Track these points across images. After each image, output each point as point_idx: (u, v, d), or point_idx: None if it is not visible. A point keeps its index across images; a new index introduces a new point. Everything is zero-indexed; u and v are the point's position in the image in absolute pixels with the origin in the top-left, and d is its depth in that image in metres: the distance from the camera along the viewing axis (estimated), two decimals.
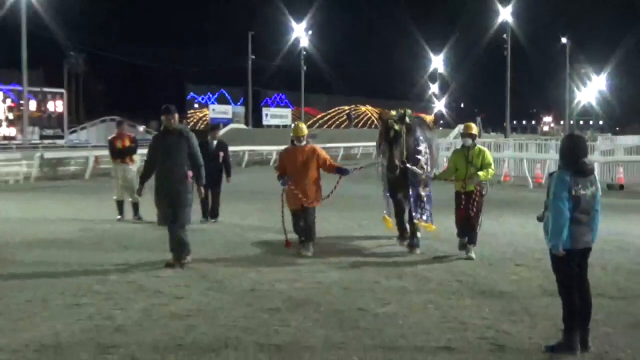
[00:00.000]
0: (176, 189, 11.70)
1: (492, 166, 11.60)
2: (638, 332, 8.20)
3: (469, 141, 11.65)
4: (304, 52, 75.45)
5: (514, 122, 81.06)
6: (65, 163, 38.11)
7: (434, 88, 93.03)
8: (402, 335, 8.35)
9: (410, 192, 13.08)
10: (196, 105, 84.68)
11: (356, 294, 10.23)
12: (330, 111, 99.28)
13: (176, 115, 12.38)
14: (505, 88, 68.32)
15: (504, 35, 66.46)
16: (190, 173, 11.76)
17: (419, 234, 13.56)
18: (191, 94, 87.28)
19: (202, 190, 12.88)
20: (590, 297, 7.41)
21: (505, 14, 65.58)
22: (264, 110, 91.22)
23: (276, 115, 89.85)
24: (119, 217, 18.09)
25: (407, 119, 12.82)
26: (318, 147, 13.80)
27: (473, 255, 11.75)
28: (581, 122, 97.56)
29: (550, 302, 8.82)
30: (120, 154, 18.46)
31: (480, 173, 11.34)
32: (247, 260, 12.96)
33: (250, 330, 8.52)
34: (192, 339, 8.14)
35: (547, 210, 7.35)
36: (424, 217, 13.18)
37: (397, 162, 12.40)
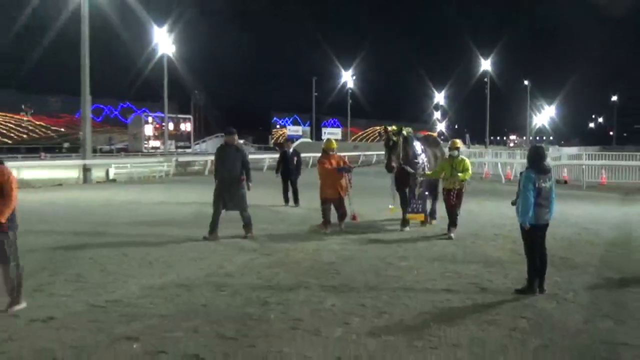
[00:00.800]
0: (233, 185, 11.76)
1: (470, 170, 11.77)
2: (578, 279, 8.60)
3: (455, 153, 11.79)
4: (350, 90, 76.72)
5: (491, 137, 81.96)
6: (191, 164, 39.78)
7: (437, 115, 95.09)
8: (416, 281, 8.55)
9: (408, 191, 12.69)
10: (278, 126, 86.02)
11: (385, 254, 10.34)
12: (367, 130, 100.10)
13: (235, 136, 12.61)
14: (485, 114, 72.16)
15: (485, 79, 69.22)
16: (243, 176, 11.84)
17: (416, 221, 13.13)
18: (275, 118, 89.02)
19: (251, 185, 12.17)
20: (546, 256, 7.94)
21: (486, 65, 68.11)
22: (323, 130, 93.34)
23: (331, 133, 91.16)
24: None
25: (405, 133, 12.41)
26: (343, 155, 14.59)
27: (452, 235, 11.67)
28: (537, 138, 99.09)
29: (518, 259, 9.14)
30: None
31: (460, 175, 11.50)
32: (311, 232, 12.75)
33: (315, 277, 8.74)
34: (276, 282, 8.38)
35: (518, 198, 7.87)
36: (415, 210, 12.78)
37: (393, 164, 12.11)
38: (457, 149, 12.01)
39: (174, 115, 69.41)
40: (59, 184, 25.49)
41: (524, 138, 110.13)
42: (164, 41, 53.91)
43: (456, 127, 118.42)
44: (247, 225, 11.96)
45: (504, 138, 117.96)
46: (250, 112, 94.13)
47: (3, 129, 61.02)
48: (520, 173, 8.16)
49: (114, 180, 28.30)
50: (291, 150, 18.64)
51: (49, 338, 5.94)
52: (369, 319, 6.60)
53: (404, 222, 12.81)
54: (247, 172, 11.85)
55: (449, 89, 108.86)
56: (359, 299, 7.38)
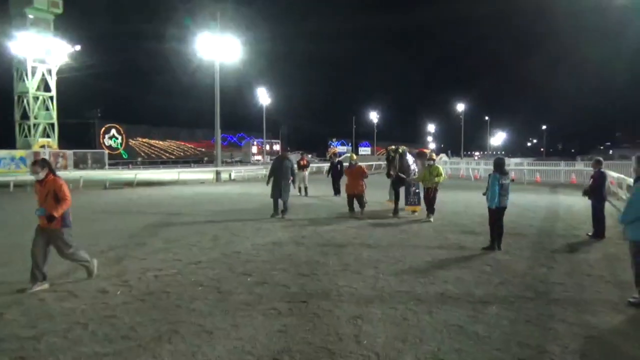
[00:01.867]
0: (284, 185, 11.41)
1: (443, 175, 10.82)
2: (523, 241, 8.38)
3: (431, 162, 10.76)
4: (376, 122, 76.52)
5: (464, 152, 79.12)
6: None
7: (430, 138, 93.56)
8: (418, 242, 8.36)
9: (404, 188, 11.81)
10: (331, 146, 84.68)
11: (390, 230, 9.58)
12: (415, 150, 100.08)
13: (288, 153, 13.40)
14: (460, 137, 75.13)
15: (460, 115, 68.91)
16: (291, 178, 11.71)
17: (408, 211, 11.87)
18: (330, 141, 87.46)
19: (296, 183, 13.05)
20: (502, 227, 7.85)
21: (460, 107, 68.20)
22: (360, 149, 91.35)
23: (365, 151, 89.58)
24: (298, 194, 16.34)
25: (400, 150, 11.60)
26: (363, 165, 13.29)
27: (432, 219, 10.59)
28: (493, 152, 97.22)
29: (484, 229, 8.73)
30: (302, 167, 17.04)
31: (436, 178, 10.56)
32: (333, 217, 11.45)
33: (356, 238, 8.47)
34: (333, 242, 8.19)
35: (487, 190, 7.77)
36: (412, 202, 11.83)
37: (391, 172, 11.46)
38: (432, 159, 11.08)
39: (269, 140, 70.30)
40: (201, 182, 25.94)
41: (485, 152, 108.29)
42: (262, 95, 55.31)
43: (442, 145, 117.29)
44: (285, 210, 11.48)
45: (471, 152, 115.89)
46: (315, 136, 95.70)
47: (169, 149, 62.98)
48: (489, 175, 7.89)
49: (234, 180, 28.40)
50: (336, 160, 18.55)
51: (199, 273, 6.13)
52: (390, 264, 6.58)
53: (396, 211, 11.66)
54: (292, 175, 11.79)
55: (438, 122, 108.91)
56: (384, 252, 7.34)
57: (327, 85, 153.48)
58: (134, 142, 57.54)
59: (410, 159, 12.02)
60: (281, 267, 6.43)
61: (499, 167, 7.65)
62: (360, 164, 12.94)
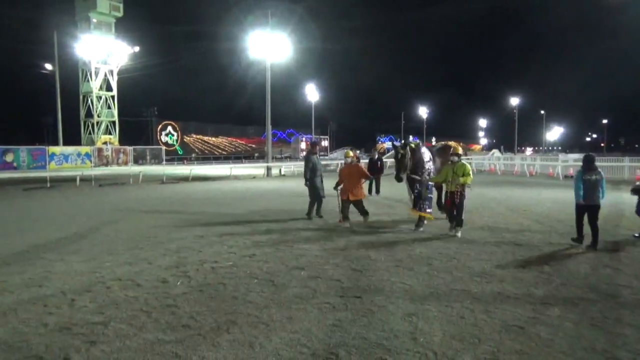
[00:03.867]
0: (319, 181, 10.56)
1: (471, 175, 8.30)
2: (584, 240, 7.65)
3: (455, 159, 8.36)
4: (425, 118, 75.18)
5: (517, 148, 75.84)
6: (328, 165, 35.78)
7: (481, 133, 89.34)
8: (473, 240, 8.04)
9: (416, 192, 9.14)
10: (380, 141, 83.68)
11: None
12: (440, 143, 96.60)
13: (317, 147, 11.58)
14: (514, 133, 67.60)
15: (514, 109, 65.75)
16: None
17: (412, 215, 9.53)
18: (378, 137, 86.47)
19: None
20: (597, 227, 7.39)
21: (514, 101, 67.26)
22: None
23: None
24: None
25: (412, 145, 9.34)
26: (360, 164, 10.64)
27: (459, 234, 8.26)
28: (548, 148, 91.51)
29: (541, 226, 8.80)
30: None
31: (461, 178, 8.17)
32: (379, 214, 10.58)
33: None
34: (384, 239, 8.04)
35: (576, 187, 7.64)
36: (426, 209, 9.08)
37: (400, 175, 9.14)
38: (457, 154, 8.55)
39: (317, 136, 70.62)
40: (253, 177, 26.40)
41: (539, 148, 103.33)
42: (311, 91, 55.63)
43: (494, 141, 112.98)
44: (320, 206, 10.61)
45: (523, 148, 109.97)
46: (363, 132, 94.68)
47: (221, 145, 64.51)
48: (575, 172, 7.95)
49: (284, 175, 28.63)
50: (376, 156, 16.71)
51: (253, 266, 6.23)
52: (445, 262, 6.42)
53: (419, 223, 9.11)
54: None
55: (491, 116, 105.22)
56: (438, 249, 7.19)
57: (376, 80, 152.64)
58: (188, 138, 59.38)
59: (426, 154, 9.60)
60: (334, 262, 6.43)
61: (585, 164, 7.64)
62: (364, 161, 11.50)
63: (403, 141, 9.63)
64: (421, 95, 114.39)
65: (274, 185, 20.56)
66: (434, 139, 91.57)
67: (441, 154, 9.97)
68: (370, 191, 15.31)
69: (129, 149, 44.31)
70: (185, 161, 49.91)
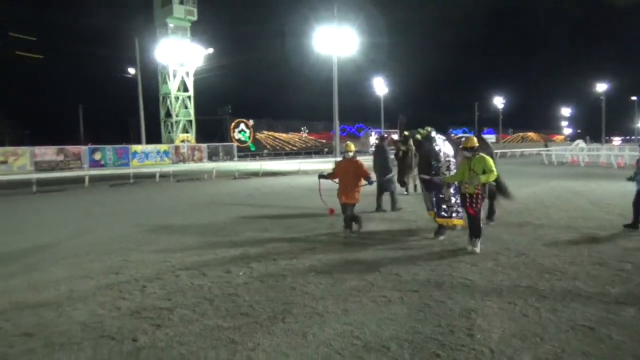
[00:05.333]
0: (389, 174, 10.11)
1: (494, 171, 6.57)
2: None
3: (467, 154, 6.63)
4: (501, 108, 71.19)
5: (604, 138, 69.39)
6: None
7: (564, 123, 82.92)
8: (540, 237, 7.58)
9: (434, 195, 7.37)
10: (452, 134, 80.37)
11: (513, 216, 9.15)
12: (513, 135, 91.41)
13: (385, 141, 11.16)
14: (601, 122, 61.41)
15: (601, 97, 59.63)
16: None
17: (447, 227, 7.46)
18: (450, 130, 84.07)
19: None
20: None
21: (601, 87, 59.25)
22: (482, 136, 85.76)
23: (489, 139, 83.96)
24: (405, 192, 12.66)
25: (418, 137, 7.50)
26: (361, 160, 8.17)
27: (477, 249, 6.49)
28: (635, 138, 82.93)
29: (624, 221, 7.90)
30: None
31: (482, 176, 6.46)
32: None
33: (446, 241, 7.62)
34: (416, 237, 7.52)
35: (635, 175, 7.67)
36: (446, 214, 7.24)
37: (404, 178, 7.69)
38: (471, 148, 6.64)
39: (386, 130, 69.84)
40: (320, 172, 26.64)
41: (631, 138, 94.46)
42: (379, 85, 55.18)
43: (578, 131, 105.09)
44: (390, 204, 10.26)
45: (610, 138, 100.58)
46: (434, 125, 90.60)
47: (291, 141, 65.77)
48: (637, 160, 7.48)
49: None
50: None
51: (313, 258, 6.33)
52: (512, 257, 6.13)
53: (439, 230, 7.46)
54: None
55: (577, 103, 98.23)
56: (505, 244, 6.88)
57: (447, 72, 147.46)
58: (260, 135, 61.14)
59: (446, 147, 7.61)
60: (393, 256, 6.36)
61: None
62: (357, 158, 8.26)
63: (405, 134, 7.66)
64: (496, 85, 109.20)
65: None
66: (510, 131, 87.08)
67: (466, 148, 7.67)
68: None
69: (204, 146, 46.43)
70: (257, 157, 51.48)
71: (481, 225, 6.71)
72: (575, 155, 31.66)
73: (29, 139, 53.67)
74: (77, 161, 32.52)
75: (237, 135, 57.53)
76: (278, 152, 61.06)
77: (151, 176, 23.31)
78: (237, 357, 3.48)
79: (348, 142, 8.41)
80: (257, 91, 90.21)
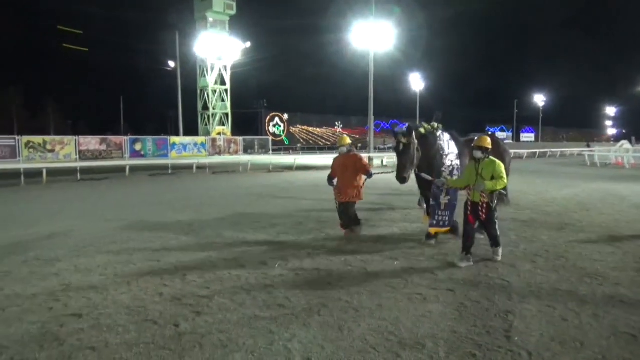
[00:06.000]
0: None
1: (504, 178, 5.83)
2: None
3: (479, 154, 5.86)
4: (542, 106, 68.72)
5: None
6: None
7: (609, 122, 79.08)
8: (582, 241, 7.35)
9: (431, 200, 6.77)
10: (489, 132, 78.85)
11: (507, 232, 8.76)
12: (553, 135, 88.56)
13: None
14: None
15: None
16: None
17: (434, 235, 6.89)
18: (488, 128, 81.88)
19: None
20: None
21: None
22: (522, 135, 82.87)
23: (529, 138, 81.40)
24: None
25: (422, 131, 6.87)
26: (360, 155, 7.79)
27: (499, 257, 5.98)
28: None
29: None
30: None
31: (488, 182, 5.73)
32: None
33: (482, 241, 7.41)
34: (451, 237, 7.36)
35: None
36: (439, 224, 6.65)
37: (404, 174, 6.55)
38: (482, 148, 5.85)
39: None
40: None
41: None
42: (416, 80, 54.50)
43: (623, 131, 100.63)
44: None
45: None
46: (471, 122, 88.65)
47: (325, 135, 65.89)
48: None
49: (386, 166, 27.83)
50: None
51: (347, 252, 6.39)
52: (551, 260, 5.99)
53: (429, 234, 6.90)
54: None
55: (620, 101, 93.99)
56: (544, 247, 6.71)
57: (485, 68, 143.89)
58: (294, 129, 61.53)
59: (451, 148, 7.25)
60: (429, 254, 6.34)
61: None
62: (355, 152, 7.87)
63: (409, 125, 6.81)
64: (537, 82, 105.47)
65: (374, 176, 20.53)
66: (425, 123, 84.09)
67: (476, 147, 6.39)
68: None
69: (240, 139, 47.11)
70: (290, 151, 51.82)
71: (497, 231, 5.99)
72: (619, 156, 30.45)
73: (71, 129, 55.95)
74: (119, 151, 33.57)
75: (271, 129, 58.09)
76: (311, 147, 61.28)
77: (188, 167, 23.87)
78: (275, 347, 3.57)
79: (343, 134, 7.87)
80: (293, 85, 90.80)
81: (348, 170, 7.35)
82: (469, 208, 5.95)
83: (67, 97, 65.63)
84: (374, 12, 27.43)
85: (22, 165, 19.46)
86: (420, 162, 6.88)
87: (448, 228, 6.77)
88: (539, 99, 75.11)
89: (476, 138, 6.35)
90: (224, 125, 52.57)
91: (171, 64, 43.94)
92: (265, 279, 5.29)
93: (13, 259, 6.25)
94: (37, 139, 28.49)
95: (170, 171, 22.53)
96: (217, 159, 33.51)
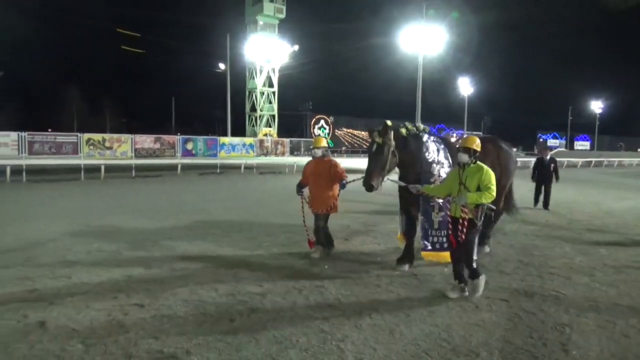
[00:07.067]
0: None
1: (492, 188, 4.51)
2: None
3: (465, 157, 4.68)
4: (599, 113, 65.71)
5: None
6: None
7: None
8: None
9: (420, 216, 5.77)
10: (541, 139, 75.69)
11: (561, 244, 8.17)
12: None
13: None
14: None
15: None
16: None
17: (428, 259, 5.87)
18: (539, 134, 78.35)
19: None
20: None
21: None
22: (576, 143, 78.82)
23: (583, 146, 77.65)
24: None
25: (402, 131, 5.70)
26: (335, 160, 6.59)
27: (477, 293, 4.73)
28: None
29: None
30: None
31: (471, 194, 4.53)
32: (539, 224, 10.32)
33: (537, 252, 7.36)
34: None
35: None
36: (436, 247, 5.67)
37: (372, 182, 5.52)
38: (469, 150, 4.71)
39: (469, 132, 67.42)
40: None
41: None
42: (464, 85, 53.38)
43: None
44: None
45: None
46: (521, 128, 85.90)
47: (357, 139, 65.80)
48: None
49: None
50: (548, 157, 12.36)
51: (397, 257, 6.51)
52: (610, 274, 5.73)
53: (403, 257, 5.82)
54: None
55: None
56: (602, 259, 6.44)
57: (538, 72, 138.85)
58: (339, 132, 61.67)
59: (441, 156, 5.88)
60: (480, 262, 6.17)
61: None
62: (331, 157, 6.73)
63: (386, 123, 5.61)
64: (594, 88, 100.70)
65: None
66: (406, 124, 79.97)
67: (462, 150, 4.95)
68: (536, 202, 11.93)
69: (286, 140, 47.71)
70: (334, 154, 51.94)
71: (474, 260, 4.73)
72: None
73: (126, 127, 58.43)
74: (171, 150, 34.74)
75: (317, 131, 58.39)
76: (355, 150, 61.21)
77: (236, 167, 24.41)
78: (327, 346, 3.62)
79: (318, 135, 6.45)
80: (339, 88, 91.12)
81: (321, 178, 6.37)
82: (449, 226, 4.88)
83: (122, 97, 68.82)
84: (425, 15, 27.18)
85: (82, 161, 20.51)
86: (402, 171, 5.88)
87: (449, 252, 5.20)
88: (596, 106, 71.68)
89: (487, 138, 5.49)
90: (270, 126, 53.33)
91: (221, 66, 45.13)
92: (316, 279, 5.36)
93: (78, 248, 6.64)
94: (97, 137, 29.92)
95: (218, 170, 23.13)
96: (263, 160, 34.04)
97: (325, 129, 59.61)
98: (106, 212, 9.99)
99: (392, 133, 5.55)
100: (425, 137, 5.93)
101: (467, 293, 4.78)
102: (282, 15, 51.34)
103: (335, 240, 6.68)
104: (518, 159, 12.34)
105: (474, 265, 4.75)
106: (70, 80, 60.09)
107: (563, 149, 71.15)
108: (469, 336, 3.85)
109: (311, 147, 6.75)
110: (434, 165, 5.79)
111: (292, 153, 46.56)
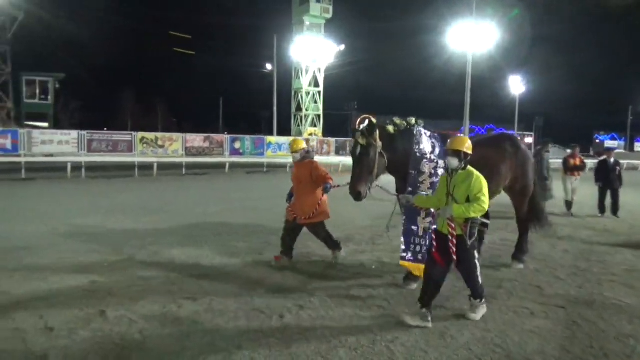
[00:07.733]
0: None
1: (483, 199, 3.83)
2: None
3: (454, 162, 3.98)
4: None
5: None
6: None
7: None
8: None
9: (403, 223, 5.18)
10: (597, 140, 71.92)
11: (620, 249, 7.71)
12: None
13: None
14: None
15: None
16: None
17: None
18: (596, 135, 74.59)
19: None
20: None
21: None
22: (636, 144, 74.28)
23: None
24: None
25: (390, 129, 5.00)
26: (316, 162, 5.97)
27: (476, 316, 4.12)
28: None
29: None
30: (572, 169, 11.26)
31: (457, 206, 3.87)
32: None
33: (595, 257, 7.07)
34: (559, 251, 7.21)
35: None
36: (411, 257, 4.95)
37: (358, 188, 4.88)
38: (459, 153, 4.00)
39: (521, 132, 65.17)
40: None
41: None
42: (515, 84, 51.58)
43: None
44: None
45: None
46: (576, 129, 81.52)
47: None
48: None
49: None
50: (612, 160, 11.09)
51: None
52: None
53: (410, 274, 5.08)
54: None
55: None
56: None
57: (595, 70, 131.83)
58: None
59: (427, 143, 5.11)
60: (534, 267, 5.99)
61: None
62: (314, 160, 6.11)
63: (371, 121, 5.01)
64: None
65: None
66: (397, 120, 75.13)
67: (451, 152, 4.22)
68: (602, 209, 10.80)
69: (332, 140, 47.79)
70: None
71: (479, 281, 4.17)
72: None
73: (176, 127, 60.35)
74: (220, 148, 35.59)
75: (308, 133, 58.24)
76: None
77: (282, 166, 24.69)
78: (377, 347, 3.59)
79: (295, 138, 5.81)
80: (385, 88, 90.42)
81: (302, 183, 5.82)
82: (434, 242, 4.19)
83: (173, 97, 71.22)
84: (475, 12, 26.45)
85: (136, 159, 21.36)
86: (394, 175, 5.33)
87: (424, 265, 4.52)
88: None
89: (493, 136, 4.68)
90: (315, 126, 53.58)
91: (268, 66, 45.76)
92: (363, 278, 5.34)
93: (133, 243, 6.89)
94: (150, 136, 31.02)
95: (265, 169, 23.48)
96: None
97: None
98: (160, 209, 10.34)
99: (377, 132, 4.93)
100: (416, 130, 5.13)
101: (429, 322, 3.96)
102: (329, 15, 51.44)
103: (383, 239, 6.59)
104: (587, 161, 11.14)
105: (479, 287, 4.18)
106: (125, 83, 62.93)
107: (622, 150, 67.42)
108: (524, 343, 3.70)
109: (290, 151, 6.13)
110: (425, 162, 5.04)
111: (337, 153, 46.65)
